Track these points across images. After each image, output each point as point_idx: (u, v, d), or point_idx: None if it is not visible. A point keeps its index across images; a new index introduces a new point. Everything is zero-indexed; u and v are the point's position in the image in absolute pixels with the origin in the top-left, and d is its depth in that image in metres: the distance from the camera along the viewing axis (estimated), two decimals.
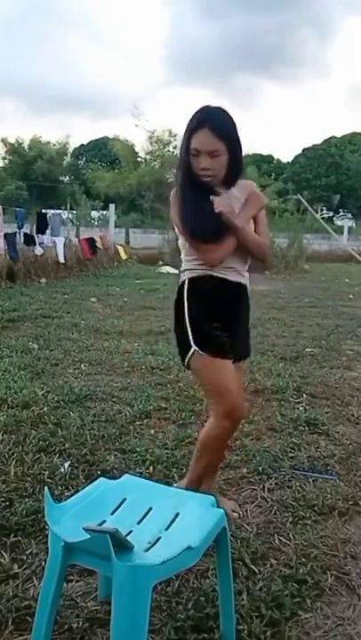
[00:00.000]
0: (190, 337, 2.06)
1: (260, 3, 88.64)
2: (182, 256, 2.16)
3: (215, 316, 2.07)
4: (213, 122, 1.94)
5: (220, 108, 2.00)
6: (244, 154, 2.08)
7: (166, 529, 1.46)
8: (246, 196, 2.10)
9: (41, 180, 40.73)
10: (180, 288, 2.13)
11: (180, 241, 2.16)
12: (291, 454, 2.93)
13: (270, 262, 2.49)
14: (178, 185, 2.06)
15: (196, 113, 1.99)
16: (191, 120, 1.98)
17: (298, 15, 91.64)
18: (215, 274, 2.06)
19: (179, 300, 2.13)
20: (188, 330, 2.07)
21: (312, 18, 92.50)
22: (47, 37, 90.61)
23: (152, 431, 3.17)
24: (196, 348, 2.06)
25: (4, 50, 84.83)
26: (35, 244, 10.61)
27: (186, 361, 2.13)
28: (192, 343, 2.06)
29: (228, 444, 2.45)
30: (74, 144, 50.97)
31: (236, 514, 2.33)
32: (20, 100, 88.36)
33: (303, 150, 48.71)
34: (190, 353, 2.08)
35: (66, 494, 2.38)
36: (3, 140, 44.39)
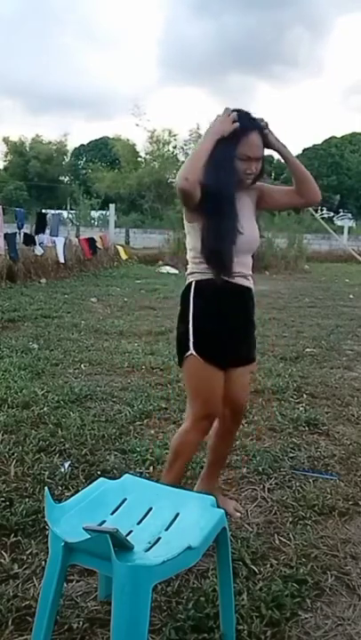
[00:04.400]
0: (191, 339, 2.06)
1: (257, 1, 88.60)
2: (188, 258, 2.15)
3: (219, 321, 2.07)
4: (259, 126, 1.98)
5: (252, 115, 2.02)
6: None
7: (166, 529, 1.46)
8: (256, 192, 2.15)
9: (36, 179, 40.69)
10: (187, 290, 2.12)
11: (188, 243, 2.14)
12: (291, 454, 2.93)
13: (318, 194, 2.40)
14: (211, 187, 1.93)
15: (239, 115, 1.96)
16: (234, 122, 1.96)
17: (295, 14, 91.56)
18: (222, 277, 2.06)
19: (184, 301, 2.13)
20: (190, 332, 2.07)
21: (310, 16, 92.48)
22: (45, 37, 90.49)
23: (152, 431, 3.17)
24: (193, 351, 2.06)
25: (3, 49, 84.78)
26: (35, 244, 10.62)
27: (181, 360, 2.13)
28: (191, 346, 2.06)
29: (232, 444, 2.45)
30: (73, 144, 51.01)
31: (238, 513, 2.33)
32: (18, 100, 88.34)
33: (303, 150, 48.62)
34: (187, 354, 2.08)
35: (66, 494, 2.38)
36: (5, 140, 44.43)
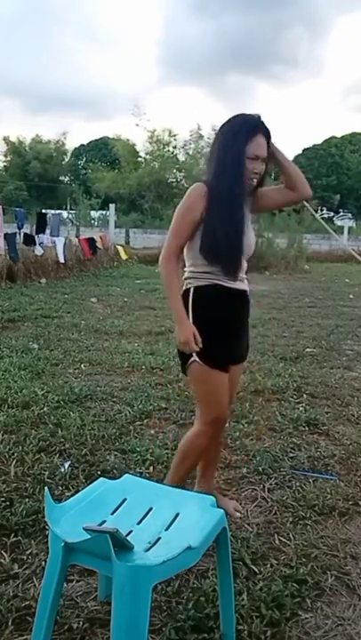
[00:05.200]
0: None
1: (256, 1, 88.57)
2: (186, 261, 2.14)
3: (219, 327, 2.07)
4: (264, 129, 2.03)
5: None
6: None
7: (166, 529, 1.46)
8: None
9: (37, 180, 40.66)
10: (185, 296, 2.10)
11: (188, 246, 2.10)
12: (291, 454, 2.93)
13: (309, 189, 2.25)
14: (220, 187, 2.00)
15: (247, 120, 2.02)
16: (244, 126, 2.01)
17: (295, 14, 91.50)
18: (222, 282, 2.05)
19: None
20: None
21: (309, 16, 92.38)
22: (44, 37, 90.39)
23: (152, 431, 3.17)
24: (196, 358, 2.05)
25: (3, 49, 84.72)
26: (35, 244, 10.62)
27: (185, 367, 2.13)
28: (193, 353, 2.05)
29: (223, 443, 2.47)
30: (73, 144, 50.98)
31: (238, 513, 2.33)
32: (18, 100, 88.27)
33: (303, 150, 48.67)
34: (190, 362, 2.08)
35: (66, 494, 2.38)
36: (4, 139, 44.38)
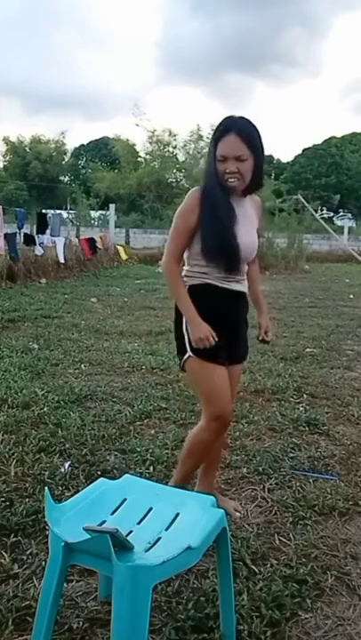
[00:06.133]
0: (186, 342, 2.10)
1: (255, 1, 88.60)
2: (185, 261, 2.16)
3: (212, 324, 2.08)
4: (238, 127, 2.00)
5: (244, 117, 2.05)
6: None
7: (166, 529, 1.46)
8: (258, 214, 2.20)
9: (37, 180, 40.65)
10: None
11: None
12: (291, 454, 2.93)
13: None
14: (203, 190, 2.05)
15: (220, 123, 2.04)
16: (216, 130, 2.04)
17: (293, 13, 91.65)
18: (215, 283, 2.09)
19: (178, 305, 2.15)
20: (185, 335, 2.10)
21: (308, 15, 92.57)
22: (44, 37, 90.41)
23: (152, 431, 3.17)
24: (190, 353, 2.09)
25: (2, 49, 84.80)
26: (35, 244, 10.63)
27: (181, 363, 2.17)
28: (188, 348, 2.10)
29: (225, 443, 2.47)
30: (73, 144, 51.03)
31: (238, 513, 2.34)
32: (17, 100, 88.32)
33: (303, 150, 48.66)
34: (185, 357, 2.12)
35: (66, 494, 2.38)
36: (4, 139, 44.37)
